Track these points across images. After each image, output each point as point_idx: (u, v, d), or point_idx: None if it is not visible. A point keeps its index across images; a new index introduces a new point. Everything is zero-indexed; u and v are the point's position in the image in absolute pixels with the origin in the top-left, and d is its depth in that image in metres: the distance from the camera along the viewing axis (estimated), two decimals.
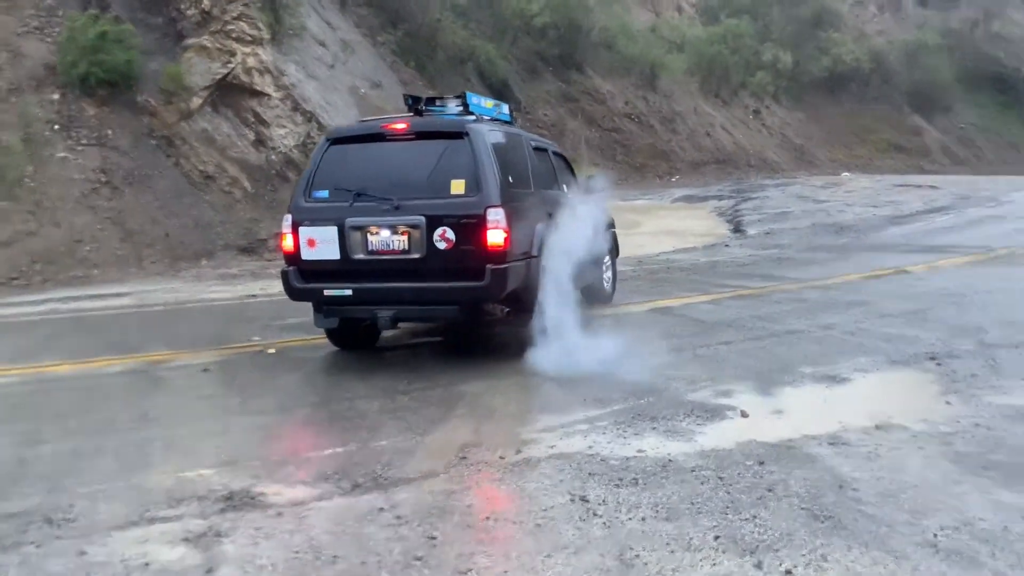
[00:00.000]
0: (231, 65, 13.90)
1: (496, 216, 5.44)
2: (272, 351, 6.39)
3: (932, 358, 5.77)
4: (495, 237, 5.44)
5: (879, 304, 8.12)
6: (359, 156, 5.94)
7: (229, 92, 14.28)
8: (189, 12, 14.10)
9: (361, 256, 5.62)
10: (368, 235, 5.58)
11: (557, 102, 33.95)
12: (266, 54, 14.33)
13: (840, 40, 43.73)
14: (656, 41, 39.05)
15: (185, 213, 12.76)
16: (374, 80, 20.81)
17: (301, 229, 5.72)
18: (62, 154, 12.21)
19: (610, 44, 36.86)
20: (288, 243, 5.79)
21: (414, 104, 6.32)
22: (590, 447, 3.98)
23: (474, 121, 5.99)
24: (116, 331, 7.34)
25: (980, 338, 6.35)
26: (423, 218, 5.47)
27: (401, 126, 5.91)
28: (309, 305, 6.09)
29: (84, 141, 12.55)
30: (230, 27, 13.89)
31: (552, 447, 3.98)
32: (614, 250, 8.75)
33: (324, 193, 5.78)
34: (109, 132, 12.92)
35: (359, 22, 24.95)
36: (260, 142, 14.52)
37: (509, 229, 5.50)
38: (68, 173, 12.05)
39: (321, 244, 5.63)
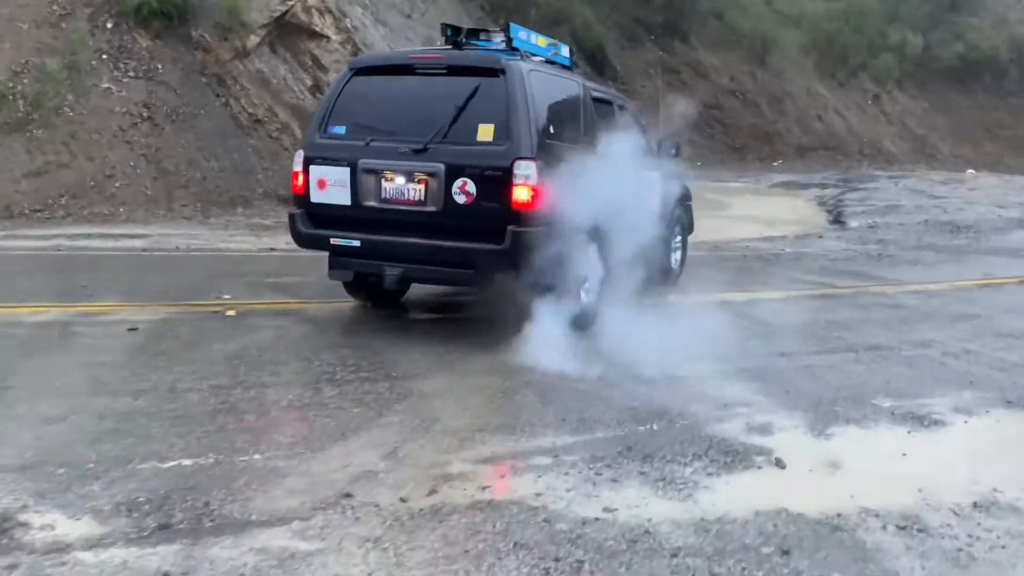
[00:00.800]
0: (291, 2, 13.00)
1: (526, 171, 4.58)
2: (231, 312, 5.39)
3: None
4: (521, 194, 4.56)
5: (995, 320, 6.47)
6: (383, 90, 5.24)
7: (288, 32, 13.40)
8: None
9: (373, 204, 4.91)
10: (382, 180, 4.86)
11: (656, 73, 32.00)
12: None
13: (977, 25, 39.77)
14: (770, 14, 36.39)
15: (227, 156, 12.02)
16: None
17: (312, 168, 5.04)
18: (106, 85, 11.61)
19: (719, 14, 34.52)
20: (299, 182, 5.12)
21: (453, 35, 5.29)
22: (538, 495, 2.77)
23: (517, 59, 5.02)
24: (87, 275, 6.53)
25: None
26: (443, 166, 4.69)
27: (432, 58, 5.17)
28: (322, 260, 5.15)
29: (132, 74, 11.93)
30: None
31: (484, 489, 2.78)
32: (687, 227, 7.82)
33: (341, 129, 5.10)
34: (159, 66, 12.26)
35: None
36: (317, 88, 13.60)
37: (539, 187, 4.58)
38: (110, 105, 11.44)
39: (332, 186, 4.95)
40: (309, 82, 13.65)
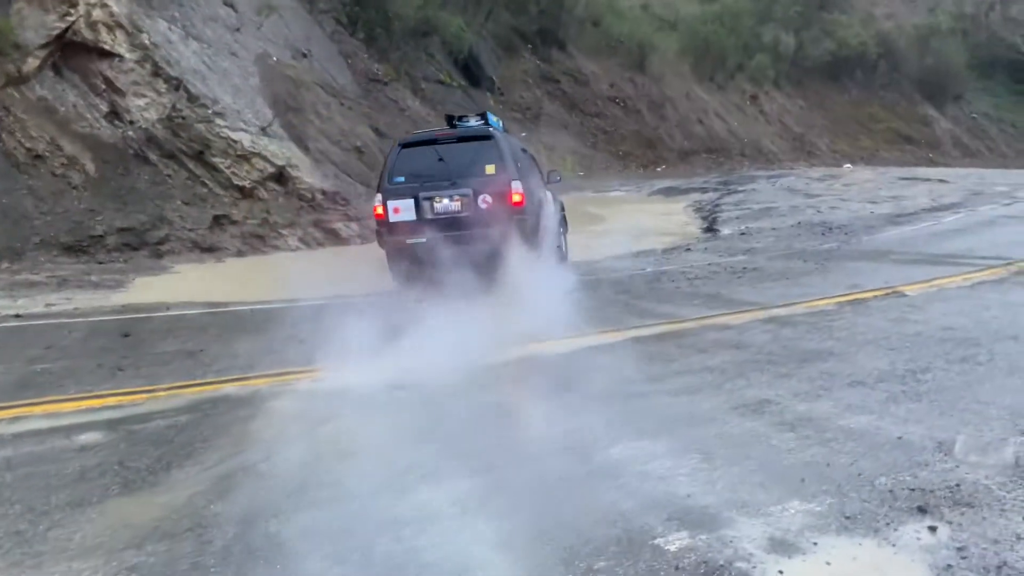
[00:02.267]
0: (70, 18, 11.18)
1: (517, 187, 8.19)
2: None
3: (922, 510, 3.07)
4: (516, 199, 8.14)
5: (851, 357, 5.39)
6: (421, 154, 8.43)
7: (75, 53, 11.58)
8: None
9: (429, 216, 8.11)
10: (433, 202, 8.14)
11: (535, 83, 31.18)
12: (119, 5, 11.58)
13: (847, 23, 40.75)
14: (647, 19, 36.21)
15: None
16: (301, 49, 18.06)
17: (388, 201, 8.17)
18: None
19: (596, 21, 34.03)
20: (380, 211, 8.24)
21: (449, 120, 9.05)
22: None
23: (494, 129, 8.77)
24: None
25: (1008, 453, 3.62)
26: (470, 189, 8.11)
27: (449, 133, 8.61)
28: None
29: None
30: None
31: None
32: (565, 225, 11.17)
33: (401, 179, 8.29)
34: None
35: None
36: (115, 114, 11.83)
37: (523, 194, 8.20)
38: None
39: (403, 211, 8.10)
40: (104, 108, 11.85)
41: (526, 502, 3.17)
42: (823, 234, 13.69)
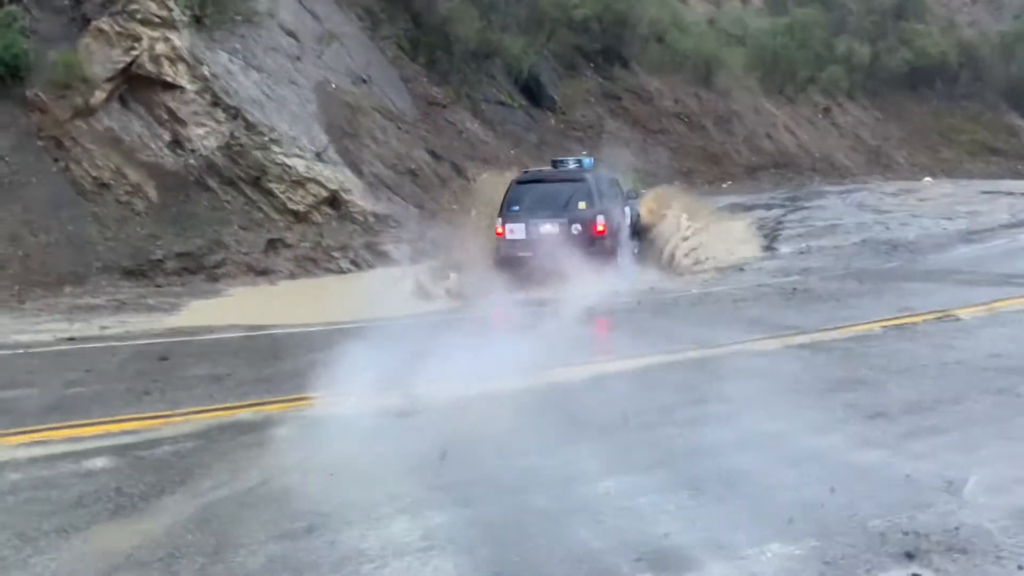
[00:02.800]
0: (135, 52, 11.76)
1: (601, 220, 10.76)
2: None
3: (911, 556, 2.88)
4: (599, 228, 10.75)
5: (881, 387, 5.13)
6: (530, 189, 11.14)
7: (139, 85, 12.18)
8: None
9: (535, 237, 10.62)
10: (539, 226, 10.71)
11: (597, 101, 31.09)
12: (181, 39, 12.14)
13: (925, 32, 39.23)
14: (713, 34, 35.70)
15: (59, 229, 10.68)
16: (361, 75, 18.52)
17: (506, 224, 10.82)
18: None
19: (660, 37, 33.72)
20: (500, 230, 10.86)
21: (553, 163, 12.03)
22: None
23: (587, 170, 11.47)
24: None
25: (1022, 495, 3.37)
26: (567, 219, 10.75)
27: (552, 172, 11.64)
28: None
29: None
30: (134, 7, 11.76)
31: None
32: (640, 230, 13.51)
33: (516, 207, 10.92)
34: None
35: (362, 14, 22.77)
36: (177, 143, 12.37)
37: (606, 224, 10.81)
38: None
39: (516, 231, 10.75)
40: (168, 137, 12.41)
41: (496, 537, 3.12)
42: (887, 253, 13.16)
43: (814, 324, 7.46)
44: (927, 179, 31.24)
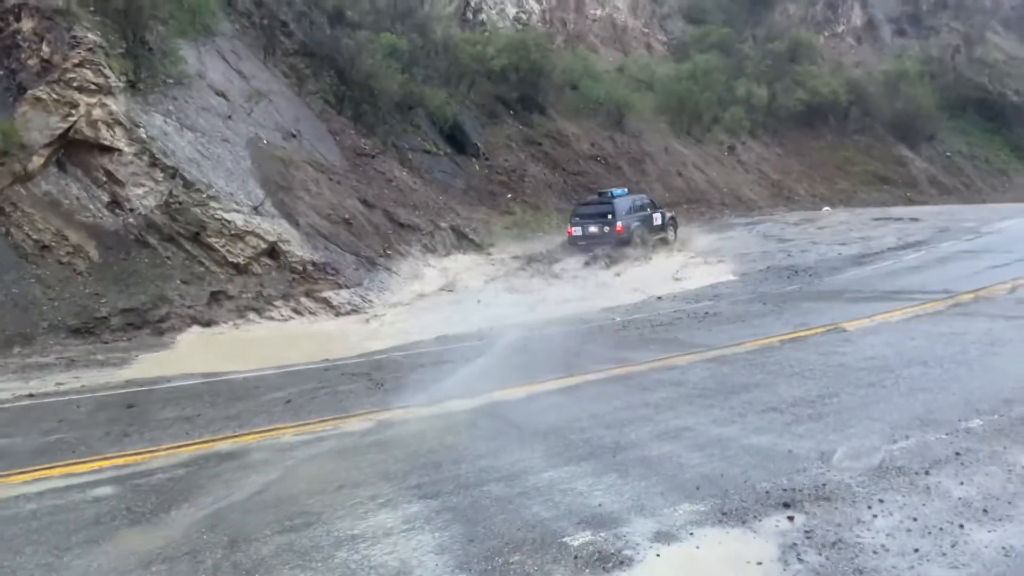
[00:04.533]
0: (72, 118, 12.15)
1: (619, 224, 18.17)
2: None
3: (787, 505, 3.74)
4: (620, 228, 18.12)
5: (774, 388, 6.08)
6: (584, 208, 19.50)
7: (77, 149, 12.53)
8: (30, 61, 12.44)
9: (588, 233, 18.37)
10: (589, 227, 18.41)
11: (518, 146, 32.26)
12: (117, 104, 12.58)
13: (817, 73, 42.21)
14: (623, 80, 37.61)
15: (2, 291, 10.89)
16: (291, 130, 19.13)
17: (572, 227, 18.92)
18: None
19: (574, 85, 35.39)
20: (570, 230, 18.98)
21: (599, 193, 20.42)
22: None
23: (616, 198, 19.12)
24: None
25: (876, 459, 4.30)
26: (606, 223, 18.23)
27: (595, 200, 19.67)
28: None
29: None
30: (71, 75, 12.18)
31: None
32: (674, 225, 21.79)
33: (577, 218, 19.02)
34: None
35: (288, 71, 23.43)
36: (116, 204, 12.72)
37: (623, 227, 18.15)
38: None
39: (577, 231, 18.68)
40: (106, 198, 12.74)
41: (464, 518, 3.83)
42: (788, 277, 14.42)
43: (721, 341, 8.44)
44: (826, 209, 33.53)
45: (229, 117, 16.55)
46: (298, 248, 14.55)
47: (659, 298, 13.35)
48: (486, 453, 4.87)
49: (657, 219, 20.41)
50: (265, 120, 18.28)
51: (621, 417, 5.50)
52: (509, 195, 29.41)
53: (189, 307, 12.28)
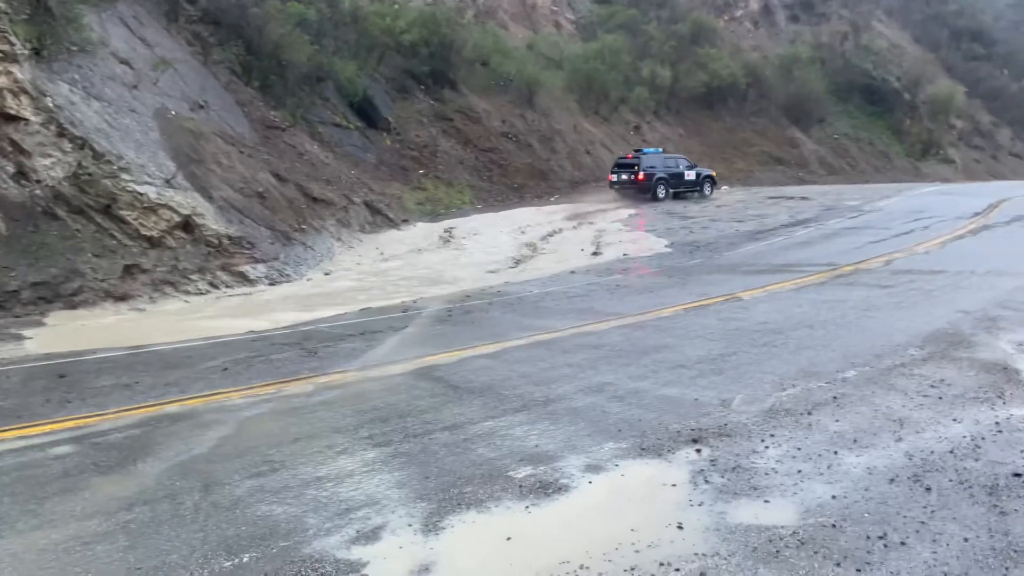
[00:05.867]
0: None
1: (642, 174, 26.00)
2: None
3: (696, 441, 4.38)
4: (642, 177, 25.97)
5: (680, 349, 6.79)
6: (620, 162, 27.18)
7: None
8: None
9: (621, 179, 26.63)
10: (622, 175, 26.50)
11: (430, 121, 32.41)
12: (23, 72, 12.18)
13: (717, 55, 43.93)
14: (532, 58, 38.15)
15: None
16: (198, 100, 18.74)
17: (611, 175, 27.07)
18: None
19: (485, 61, 35.67)
20: (610, 177, 27.10)
21: (636, 152, 27.66)
22: None
23: (644, 155, 27.01)
24: None
25: (768, 403, 5.02)
26: (633, 173, 26.12)
27: (631, 156, 27.21)
28: None
29: None
30: None
31: None
32: (709, 182, 28.74)
33: (616, 167, 27.09)
34: None
35: (192, 39, 22.81)
36: (22, 175, 12.34)
37: (645, 176, 25.98)
38: None
39: (615, 176, 26.76)
40: (12, 169, 12.34)
41: (417, 461, 4.30)
42: (690, 252, 15.38)
43: (633, 310, 9.15)
44: (724, 187, 35.17)
45: (135, 86, 16.15)
46: (213, 222, 14.46)
47: (572, 272, 14.03)
48: (428, 409, 5.33)
49: (691, 175, 27.80)
50: (171, 90, 17.87)
51: (548, 376, 6.06)
52: (421, 171, 29.60)
53: (102, 280, 12.11)
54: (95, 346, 9.09)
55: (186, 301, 12.63)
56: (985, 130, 53.78)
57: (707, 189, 28.33)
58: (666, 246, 16.64)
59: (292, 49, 24.49)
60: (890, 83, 48.00)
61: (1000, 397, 5.02)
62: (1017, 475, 3.73)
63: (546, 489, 3.80)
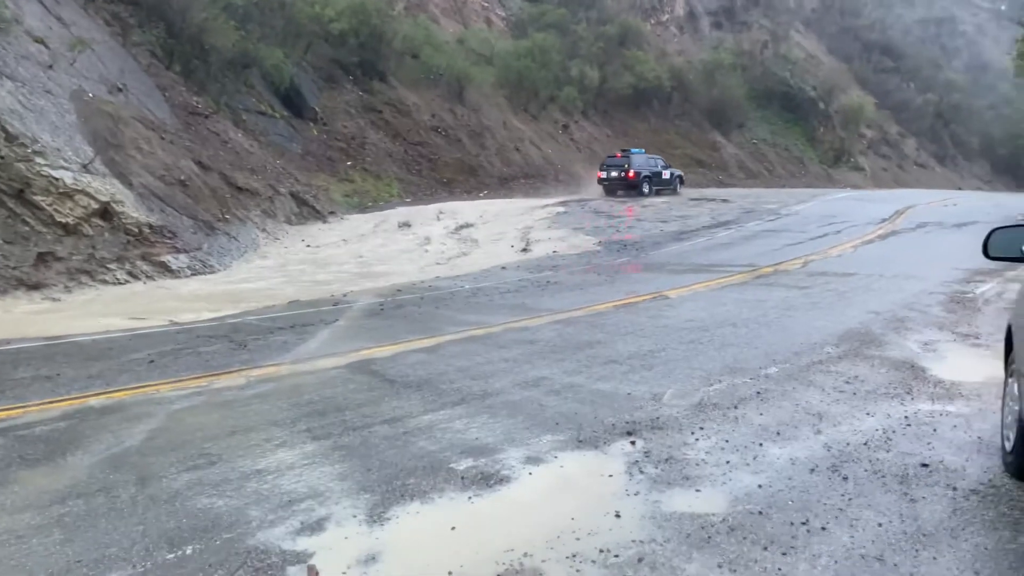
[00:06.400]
0: None
1: (632, 172, 28.19)
2: None
3: (630, 433, 4.55)
4: (632, 176, 28.22)
5: (612, 345, 6.98)
6: (609, 160, 29.52)
7: None
8: None
9: (610, 177, 28.75)
10: (611, 172, 28.56)
11: (358, 113, 32.00)
12: None
13: (643, 58, 44.80)
14: (463, 53, 38.12)
15: None
16: (117, 83, 18.05)
17: (600, 172, 29.19)
18: None
19: (415, 54, 35.44)
20: (599, 175, 29.36)
21: (624, 152, 30.12)
22: None
23: (632, 155, 29.26)
24: None
25: (697, 398, 5.24)
26: (623, 171, 28.20)
27: (619, 155, 29.57)
28: None
29: None
30: None
31: None
32: (679, 181, 31.12)
33: (603, 167, 29.50)
34: None
35: (111, 19, 21.95)
36: None
37: (635, 174, 28.23)
38: None
39: (604, 175, 29.27)
40: None
41: (357, 454, 4.33)
42: (618, 251, 15.71)
43: (564, 306, 9.32)
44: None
45: (50, 67, 15.46)
46: (132, 209, 13.99)
47: (504, 268, 14.15)
48: (366, 402, 5.34)
49: (666, 175, 30.31)
50: (89, 72, 17.17)
51: (484, 370, 6.15)
52: (349, 162, 29.22)
53: (14, 268, 11.57)
54: (8, 336, 8.70)
55: (104, 291, 12.18)
56: (892, 140, 56.57)
57: (678, 187, 30.93)
58: (595, 244, 16.93)
59: (216, 34, 23.82)
60: (806, 92, 49.93)
61: (908, 393, 5.37)
62: (924, 465, 4.02)
63: (488, 480, 3.88)
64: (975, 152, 61.82)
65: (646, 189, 28.80)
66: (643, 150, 30.93)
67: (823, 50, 59.66)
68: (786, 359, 6.35)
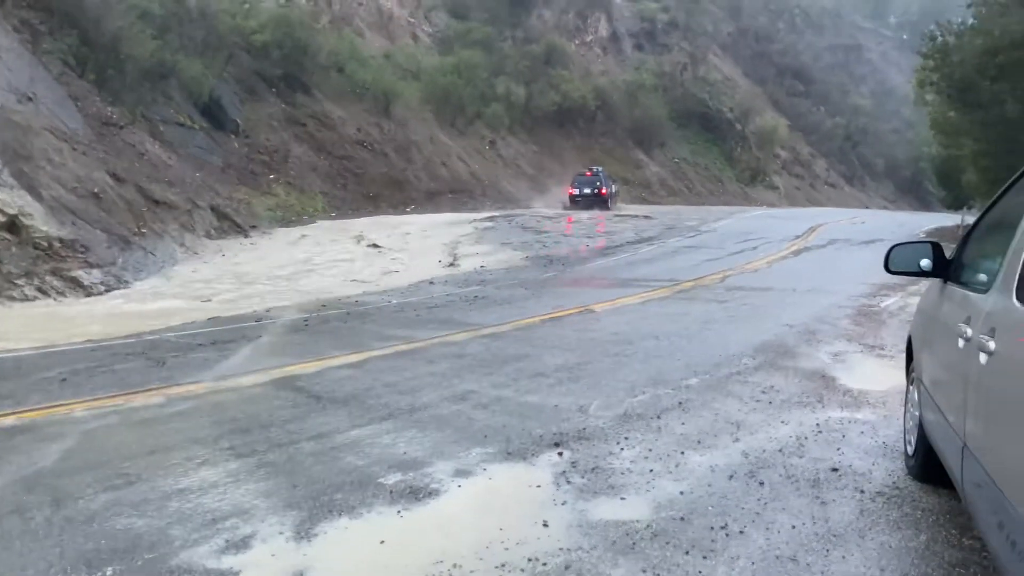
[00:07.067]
0: None
1: (605, 190, 32.19)
2: None
3: (557, 444, 4.63)
4: (603, 193, 32.08)
5: (540, 358, 7.08)
6: (579, 178, 33.15)
7: None
8: None
9: (582, 194, 32.07)
10: (584, 189, 32.08)
11: (281, 126, 31.47)
12: None
13: (568, 77, 45.58)
14: (390, 68, 38.01)
15: None
16: (26, 92, 17.33)
17: (572, 189, 32.45)
18: None
19: (340, 67, 35.14)
20: (570, 191, 32.54)
21: (588, 169, 34.08)
22: None
23: (599, 172, 33.30)
24: None
25: (622, 409, 5.38)
26: (596, 188, 32.04)
27: (590, 173, 33.23)
28: None
29: None
30: None
31: None
32: (618, 194, 35.41)
33: (576, 183, 32.70)
34: None
35: (20, 26, 21.04)
36: None
37: (606, 192, 32.25)
38: None
39: (576, 191, 32.36)
40: None
41: (283, 471, 4.27)
42: (545, 266, 15.91)
43: (492, 321, 9.40)
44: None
45: None
46: (42, 223, 13.44)
47: (431, 283, 14.13)
48: (291, 419, 5.28)
49: (614, 188, 34.16)
50: None
51: (412, 385, 6.15)
52: (272, 176, 28.69)
53: None
54: None
55: (11, 307, 11.63)
56: (804, 160, 59.02)
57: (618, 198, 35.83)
58: (522, 259, 17.09)
59: (132, 43, 23.15)
60: (724, 113, 51.67)
61: (820, 401, 5.64)
62: (834, 470, 4.24)
63: (417, 494, 3.90)
64: (880, 173, 65.08)
65: (610, 204, 32.42)
66: (601, 168, 34.73)
67: (739, 73, 61.87)
68: (706, 370, 6.57)
